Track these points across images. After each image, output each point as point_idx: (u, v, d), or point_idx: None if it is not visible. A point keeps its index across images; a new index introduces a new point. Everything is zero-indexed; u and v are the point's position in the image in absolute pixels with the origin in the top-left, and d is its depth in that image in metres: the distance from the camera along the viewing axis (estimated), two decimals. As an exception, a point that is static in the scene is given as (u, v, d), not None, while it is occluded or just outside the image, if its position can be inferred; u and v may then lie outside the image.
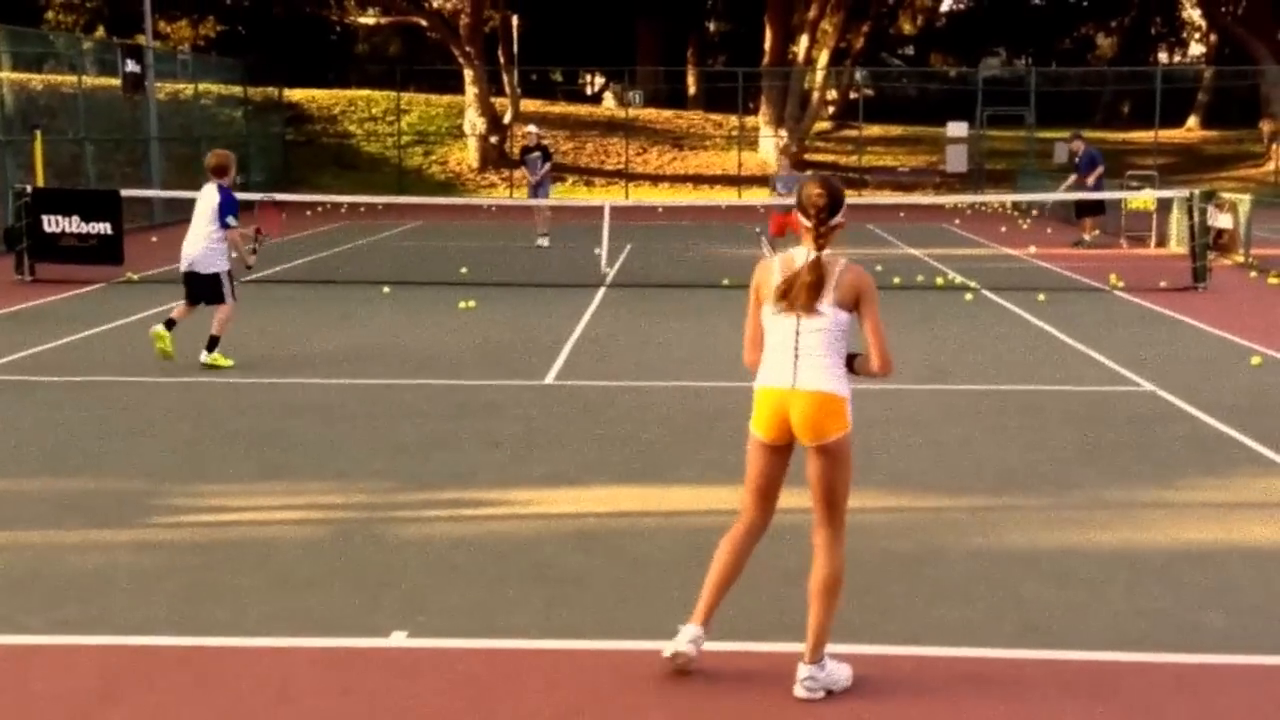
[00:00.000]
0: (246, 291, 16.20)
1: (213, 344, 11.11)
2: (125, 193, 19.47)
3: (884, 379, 5.15)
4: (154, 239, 23.35)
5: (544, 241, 22.37)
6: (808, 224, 4.91)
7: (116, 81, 27.16)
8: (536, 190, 23.32)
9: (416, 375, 10.95)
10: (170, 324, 11.18)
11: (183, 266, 11.18)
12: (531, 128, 24.83)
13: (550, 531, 6.76)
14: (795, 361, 4.89)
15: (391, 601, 5.70)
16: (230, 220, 11.00)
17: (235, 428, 8.99)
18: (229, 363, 11.12)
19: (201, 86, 32.84)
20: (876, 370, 4.93)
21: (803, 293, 4.83)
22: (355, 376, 10.88)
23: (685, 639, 4.92)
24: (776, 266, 4.98)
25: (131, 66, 27.02)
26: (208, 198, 11.08)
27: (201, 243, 11.04)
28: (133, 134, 28.50)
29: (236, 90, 35.85)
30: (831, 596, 4.89)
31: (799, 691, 4.76)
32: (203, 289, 11.14)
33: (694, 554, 6.38)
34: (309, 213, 29.45)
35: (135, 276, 17.40)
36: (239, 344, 12.37)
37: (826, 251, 4.87)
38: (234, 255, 11.36)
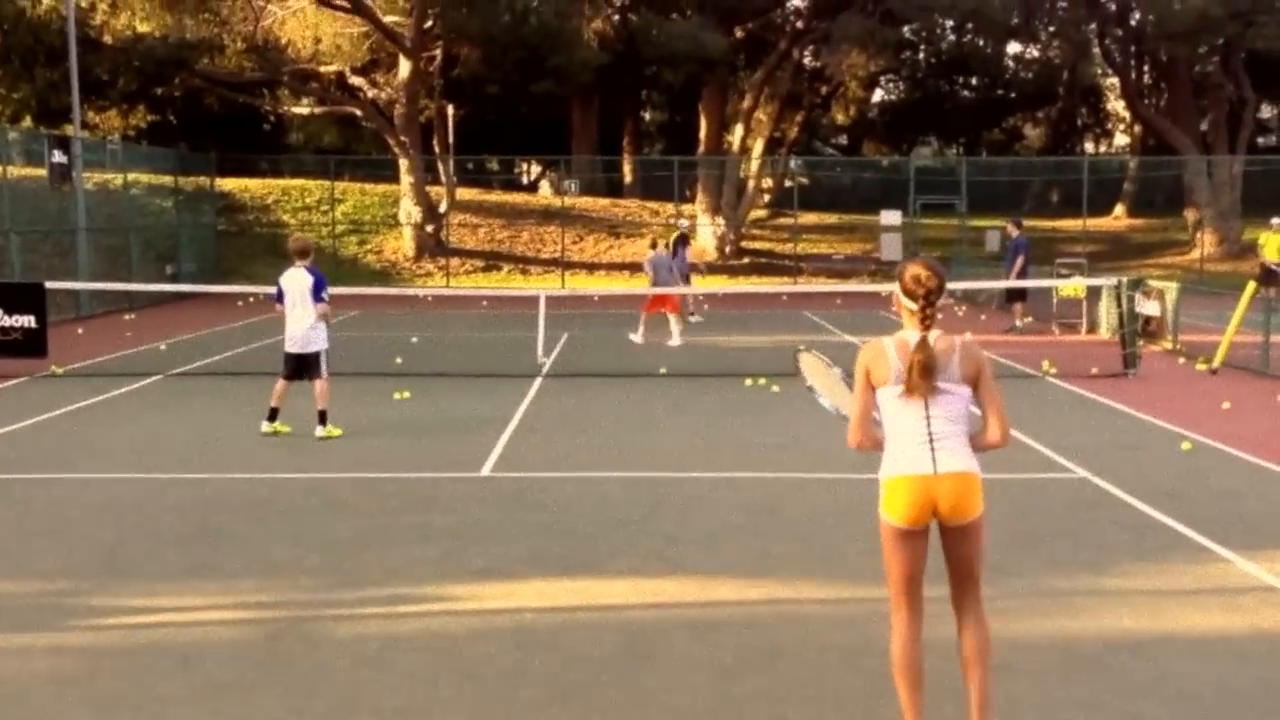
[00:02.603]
0: (171, 386, 16.06)
1: (323, 418, 12.17)
2: (50, 285, 19.19)
3: (991, 449, 5.10)
4: (80, 330, 23.07)
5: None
6: (914, 306, 4.90)
7: (43, 172, 26.89)
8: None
9: (350, 469, 10.80)
10: (274, 414, 12.25)
11: (294, 348, 12.18)
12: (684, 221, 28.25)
13: (485, 628, 6.64)
14: (931, 446, 4.90)
15: (322, 705, 5.55)
16: (325, 295, 12.10)
17: (160, 526, 8.79)
18: (340, 431, 12.21)
19: (131, 176, 32.59)
20: (998, 442, 4.97)
21: (921, 375, 4.81)
22: (286, 471, 10.70)
23: None
24: (890, 348, 4.94)
25: (59, 157, 26.77)
26: (300, 280, 12.07)
27: (306, 323, 12.09)
28: (59, 225, 28.10)
29: (167, 180, 35.66)
30: (989, 659, 5.01)
31: None
32: (307, 366, 12.18)
33: (632, 649, 6.30)
34: (240, 303, 29.23)
35: (59, 370, 17.11)
36: (164, 440, 12.18)
37: (934, 332, 4.87)
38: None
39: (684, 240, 25.42)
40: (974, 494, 4.94)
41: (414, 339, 17.83)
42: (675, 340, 20.63)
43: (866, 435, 5.04)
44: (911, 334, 4.93)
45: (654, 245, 22.43)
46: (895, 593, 5.09)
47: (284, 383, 12.34)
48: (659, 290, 21.12)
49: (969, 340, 4.96)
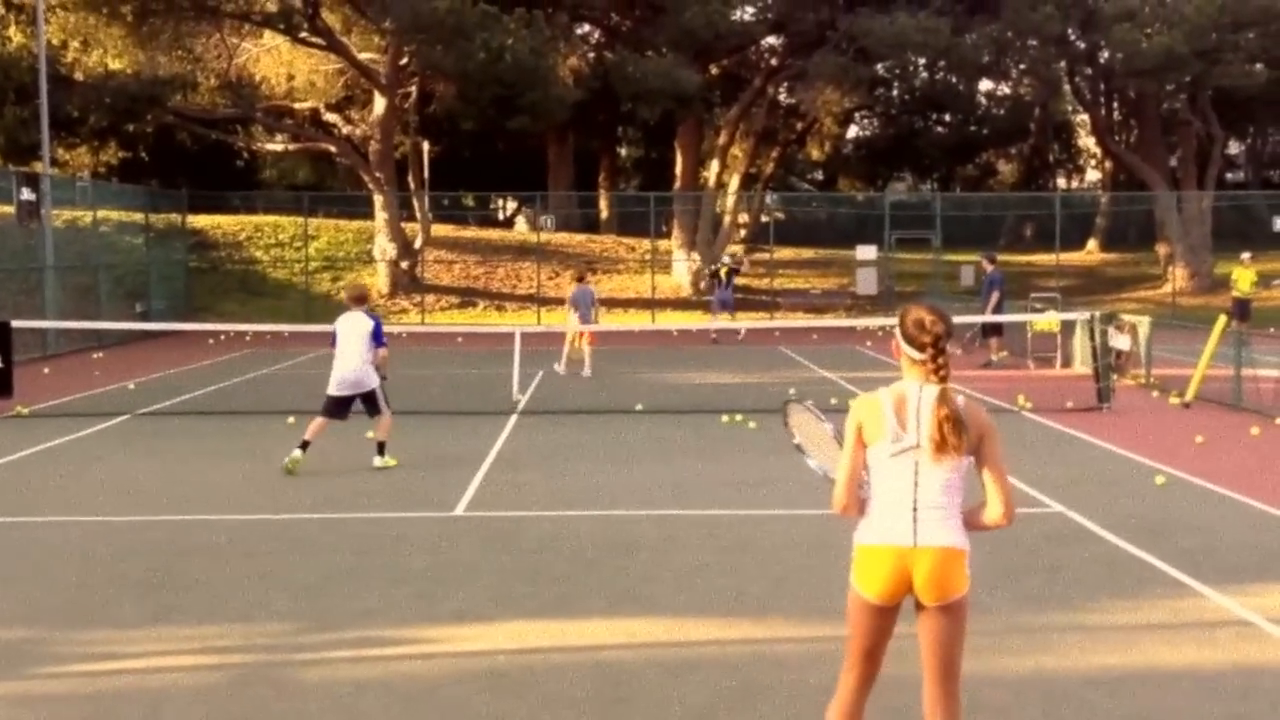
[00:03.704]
0: (139, 426, 15.91)
1: (381, 449, 12.56)
2: (17, 324, 19.04)
3: (992, 530, 4.69)
4: (46, 370, 22.88)
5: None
6: (920, 355, 4.53)
7: (10, 209, 26.72)
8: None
9: (321, 509, 10.69)
10: (305, 445, 12.40)
11: (340, 390, 12.47)
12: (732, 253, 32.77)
13: (459, 671, 6.55)
14: (915, 515, 4.50)
15: (288, 752, 5.44)
16: (384, 340, 12.59)
17: (125, 569, 8.66)
18: (395, 462, 12.54)
19: (101, 213, 32.45)
20: (1001, 521, 4.53)
21: (951, 433, 4.41)
22: (256, 512, 10.59)
23: None
24: (886, 403, 4.56)
25: (27, 194, 26.63)
26: (358, 324, 12.51)
27: (357, 365, 12.42)
28: (26, 262, 27.86)
29: (138, 217, 35.52)
30: None
31: None
32: (366, 404, 12.56)
33: (607, 690, 6.22)
34: (211, 341, 29.07)
35: (25, 410, 16.93)
36: (131, 481, 12.06)
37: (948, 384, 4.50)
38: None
39: (734, 272, 31.15)
40: (956, 573, 4.51)
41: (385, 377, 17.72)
42: (586, 372, 21.62)
43: (854, 500, 4.62)
44: (911, 386, 4.56)
45: (580, 278, 23.03)
46: (850, 658, 4.76)
47: (323, 420, 12.62)
48: (590, 327, 22.20)
49: (974, 403, 4.60)
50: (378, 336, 12.50)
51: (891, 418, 4.52)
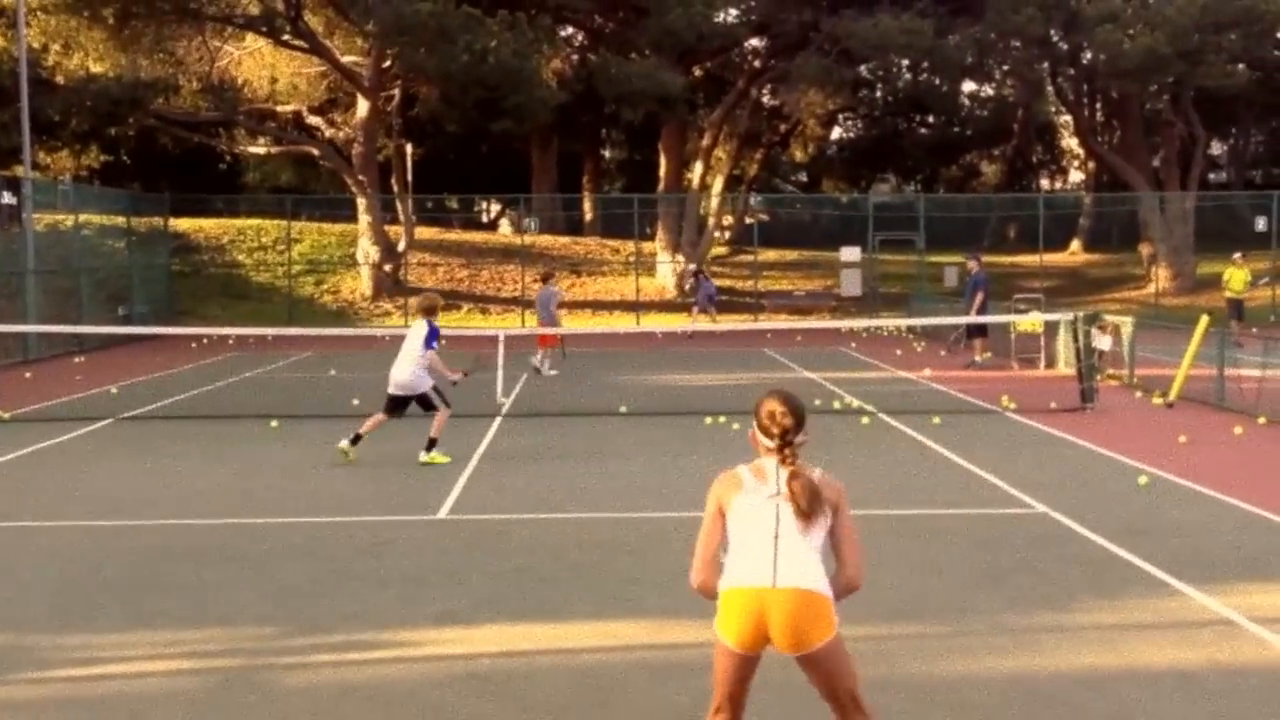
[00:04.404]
0: (122, 430, 15.84)
1: (431, 445, 12.93)
2: (-4, 328, 18.96)
3: (850, 595, 4.68)
4: (28, 374, 22.79)
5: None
6: (770, 444, 4.55)
7: (-9, 213, 26.64)
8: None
9: (305, 513, 10.66)
10: (357, 439, 13.02)
11: (391, 390, 13.10)
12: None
13: (442, 674, 6.53)
14: (775, 556, 4.43)
15: (270, 757, 5.42)
16: (434, 345, 13.02)
17: (107, 574, 8.62)
18: (447, 459, 12.89)
19: (83, 217, 32.32)
20: (855, 581, 4.59)
21: (806, 499, 4.47)
22: (239, 515, 10.56)
23: None
24: (746, 475, 4.60)
25: (8, 198, 26.51)
26: (418, 331, 13.12)
27: (409, 369, 12.98)
28: (8, 266, 27.72)
29: (120, 220, 35.39)
30: None
31: None
32: (420, 404, 13.10)
33: (590, 693, 6.21)
34: (194, 345, 28.98)
35: (6, 415, 16.84)
36: (114, 486, 12.02)
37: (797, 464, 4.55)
38: (450, 375, 13.22)
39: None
40: (816, 620, 4.40)
41: (355, 400, 17.78)
42: (549, 371, 22.46)
43: (711, 575, 4.60)
44: (769, 461, 4.60)
45: (546, 279, 23.56)
46: (717, 705, 4.65)
47: (382, 416, 13.25)
48: (552, 331, 22.86)
49: (825, 475, 4.62)
50: (429, 341, 13.03)
51: (751, 478, 4.60)
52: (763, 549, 4.45)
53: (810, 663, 4.47)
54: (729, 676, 4.56)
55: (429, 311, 13.45)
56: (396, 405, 13.24)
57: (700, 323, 32.17)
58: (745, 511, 4.53)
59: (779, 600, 4.39)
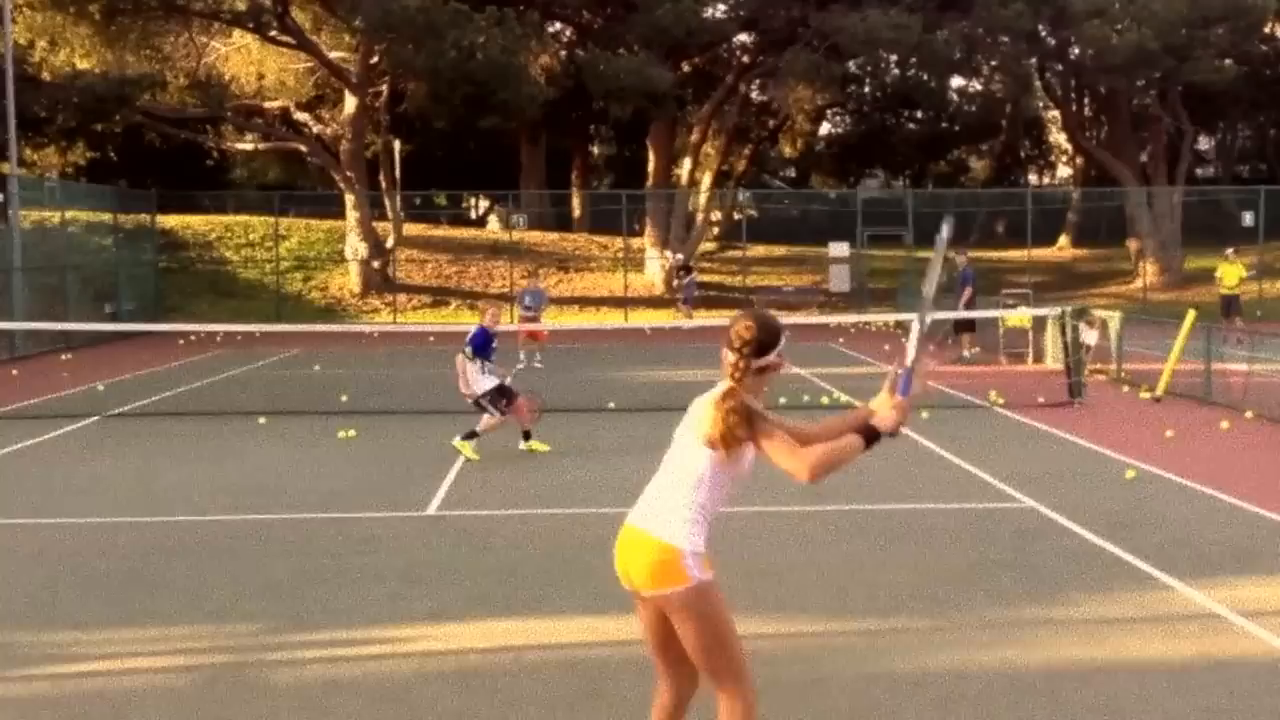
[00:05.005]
0: (108, 428, 15.79)
1: (470, 435, 12.97)
2: (-18, 325, 18.91)
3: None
4: (14, 372, 22.71)
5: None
6: (731, 358, 4.48)
7: (-23, 210, 26.54)
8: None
9: (293, 509, 10.64)
10: (528, 436, 13.38)
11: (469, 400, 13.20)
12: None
13: (430, 671, 6.53)
14: (644, 493, 4.49)
15: (257, 754, 5.41)
16: (466, 349, 12.96)
17: (94, 571, 8.59)
18: (476, 456, 12.81)
19: (69, 214, 32.22)
20: (798, 476, 4.34)
21: (711, 424, 4.33)
22: (227, 512, 10.53)
23: None
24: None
25: None
26: (469, 335, 13.20)
27: (461, 373, 13.00)
28: (-7, 264, 27.76)
29: (106, 217, 35.28)
30: None
31: None
32: (477, 406, 13.14)
33: (579, 689, 6.21)
34: (181, 341, 28.90)
35: (-4, 412, 16.81)
36: (101, 483, 11.98)
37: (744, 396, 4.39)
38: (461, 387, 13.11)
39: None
40: (643, 558, 4.33)
41: (344, 397, 17.78)
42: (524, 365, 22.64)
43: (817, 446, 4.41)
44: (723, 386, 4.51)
45: (527, 275, 24.00)
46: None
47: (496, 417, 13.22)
48: (533, 326, 23.29)
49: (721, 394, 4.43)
50: (469, 341, 13.03)
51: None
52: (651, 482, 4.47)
53: (662, 607, 4.36)
54: (641, 623, 4.53)
55: (483, 313, 13.51)
56: (491, 402, 13.08)
57: (680, 318, 32.73)
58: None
59: (621, 537, 4.46)
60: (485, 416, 13.12)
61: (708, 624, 4.32)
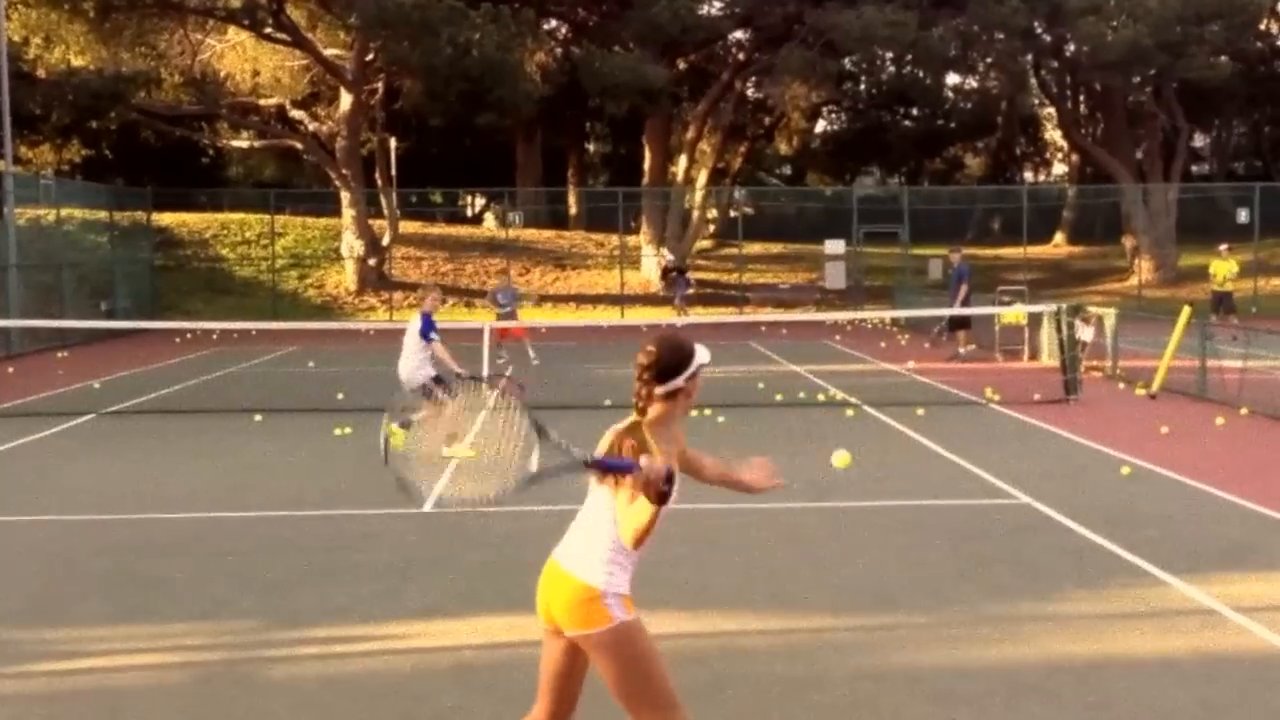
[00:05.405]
0: (104, 425, 15.77)
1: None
2: (-20, 323, 18.88)
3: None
4: (10, 370, 22.67)
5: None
6: (635, 385, 4.31)
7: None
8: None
9: (289, 506, 10.63)
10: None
11: (405, 388, 13.15)
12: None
13: (426, 667, 6.53)
14: (569, 531, 4.34)
15: (253, 751, 5.41)
16: (431, 335, 13.02)
17: (89, 569, 8.58)
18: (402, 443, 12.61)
19: (65, 212, 32.18)
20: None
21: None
22: (223, 510, 10.52)
23: None
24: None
25: None
26: (413, 324, 13.22)
27: (410, 362, 13.07)
28: (-11, 262, 27.71)
29: (102, 215, 35.23)
30: None
31: None
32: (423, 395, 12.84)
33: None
34: (178, 339, 28.87)
35: (-9, 409, 16.78)
36: (96, 480, 11.97)
37: (648, 418, 4.25)
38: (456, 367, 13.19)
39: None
40: (562, 598, 4.16)
41: (340, 395, 17.78)
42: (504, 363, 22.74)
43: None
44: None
45: (499, 274, 24.32)
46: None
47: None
48: (510, 324, 23.43)
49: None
50: (424, 331, 13.09)
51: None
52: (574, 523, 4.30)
53: (583, 647, 4.19)
54: (542, 654, 4.34)
55: (422, 302, 13.65)
56: (426, 393, 13.06)
57: (677, 315, 33.07)
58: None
59: (546, 571, 4.29)
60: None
61: (630, 665, 4.14)
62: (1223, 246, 28.81)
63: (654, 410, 4.27)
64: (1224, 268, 28.04)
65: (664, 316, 34.51)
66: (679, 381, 4.25)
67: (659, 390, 4.24)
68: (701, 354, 4.34)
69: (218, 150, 49.16)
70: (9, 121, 29.06)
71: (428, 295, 13.79)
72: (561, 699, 4.31)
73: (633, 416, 4.30)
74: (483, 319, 34.30)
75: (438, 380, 13.09)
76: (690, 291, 36.17)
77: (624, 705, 4.17)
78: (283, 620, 7.36)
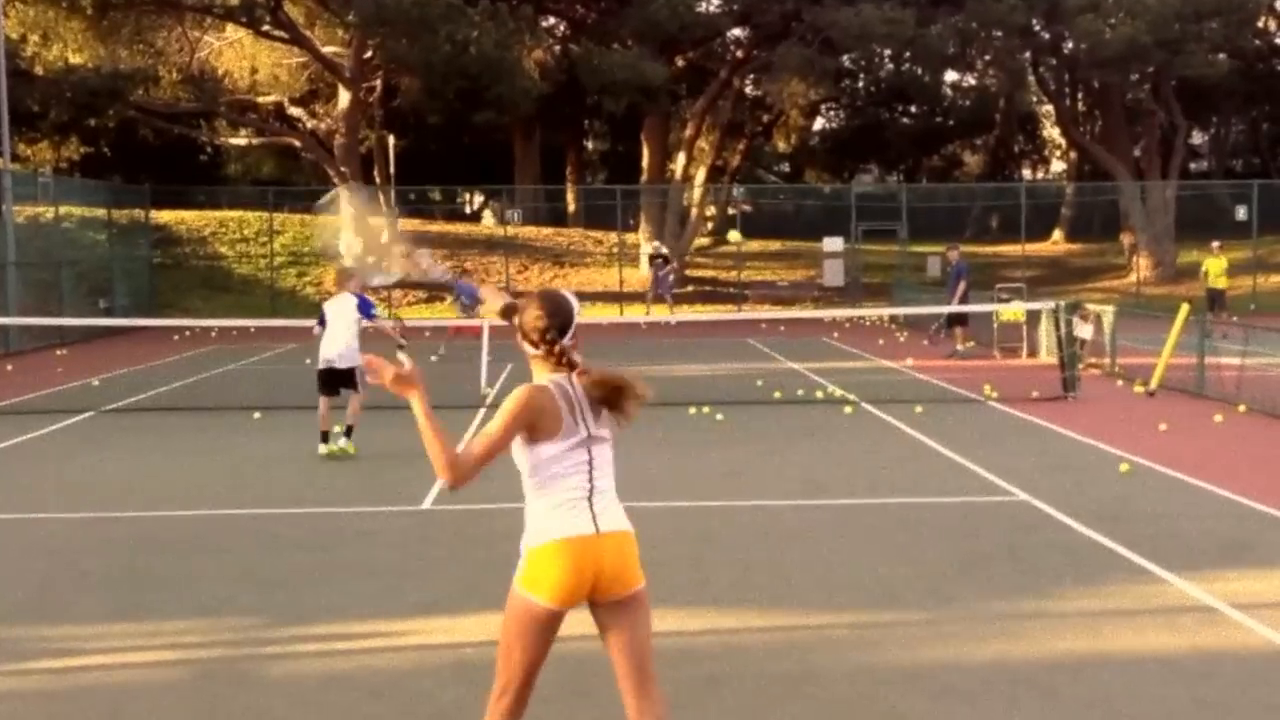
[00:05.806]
0: (103, 423, 15.78)
1: (349, 432, 12.81)
2: (-22, 321, 18.89)
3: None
4: (9, 367, 22.66)
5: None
6: (536, 352, 4.33)
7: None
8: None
9: (288, 504, 10.64)
10: (325, 436, 12.78)
11: (320, 365, 12.93)
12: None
13: (426, 663, 6.54)
14: (591, 504, 4.28)
15: (253, 747, 5.41)
16: (374, 313, 13.07)
17: (88, 566, 8.59)
18: (355, 450, 12.74)
19: (63, 209, 32.17)
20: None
21: (626, 399, 4.30)
22: (222, 507, 10.53)
23: None
24: (558, 395, 4.31)
25: None
26: (345, 303, 12.87)
27: (342, 342, 12.78)
28: (-13, 259, 27.69)
29: (100, 212, 35.22)
30: None
31: None
32: (343, 380, 12.86)
33: (571, 682, 6.22)
34: (176, 337, 28.87)
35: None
36: (95, 478, 11.97)
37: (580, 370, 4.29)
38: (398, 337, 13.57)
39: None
40: (636, 559, 4.32)
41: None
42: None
43: (473, 473, 4.32)
44: (561, 379, 4.34)
45: (462, 274, 24.25)
46: (506, 684, 4.36)
47: (325, 400, 12.99)
48: (471, 323, 23.24)
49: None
50: (365, 310, 12.93)
51: (567, 413, 4.30)
52: (579, 500, 4.33)
53: (629, 607, 4.28)
54: (532, 643, 4.29)
55: (347, 282, 13.15)
56: (327, 380, 12.91)
57: (659, 310, 33.14)
58: (557, 458, 4.32)
59: (607, 546, 4.27)
60: (354, 400, 12.91)
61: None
62: (1215, 244, 28.86)
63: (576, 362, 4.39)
64: (1216, 265, 28.09)
65: (663, 314, 34.48)
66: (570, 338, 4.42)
67: (564, 344, 4.39)
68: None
69: (216, 148, 49.14)
70: (7, 119, 29.07)
71: (351, 279, 13.17)
72: (532, 682, 4.38)
73: (566, 373, 4.38)
74: (481, 316, 34.37)
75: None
76: (671, 279, 35.83)
77: (648, 662, 4.28)
78: (282, 617, 7.37)
